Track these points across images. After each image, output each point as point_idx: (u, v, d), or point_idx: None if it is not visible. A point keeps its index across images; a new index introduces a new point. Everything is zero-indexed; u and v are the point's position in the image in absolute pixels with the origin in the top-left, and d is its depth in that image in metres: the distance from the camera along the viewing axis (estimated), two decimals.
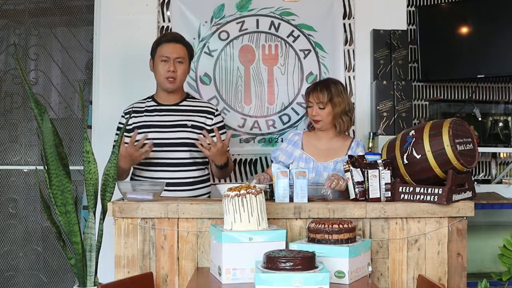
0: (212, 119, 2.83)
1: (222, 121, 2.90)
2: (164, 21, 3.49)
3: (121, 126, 2.78)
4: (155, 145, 2.73)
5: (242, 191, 1.98)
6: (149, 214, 2.26)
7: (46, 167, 2.49)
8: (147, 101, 2.87)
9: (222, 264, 1.93)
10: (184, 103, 2.85)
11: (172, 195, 2.68)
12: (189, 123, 2.78)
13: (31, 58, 3.90)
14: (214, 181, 3.38)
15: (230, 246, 1.93)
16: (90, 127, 3.43)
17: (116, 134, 2.83)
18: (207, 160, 2.86)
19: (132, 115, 2.79)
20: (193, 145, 2.75)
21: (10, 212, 3.87)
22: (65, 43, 3.90)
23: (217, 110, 2.90)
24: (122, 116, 2.85)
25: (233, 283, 1.93)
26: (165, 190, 2.67)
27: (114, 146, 2.57)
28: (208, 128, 2.79)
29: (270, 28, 3.52)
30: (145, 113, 2.81)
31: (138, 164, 2.78)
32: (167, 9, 3.49)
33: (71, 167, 2.69)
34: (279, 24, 3.51)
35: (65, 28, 3.91)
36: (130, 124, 2.78)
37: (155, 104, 2.84)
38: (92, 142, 3.22)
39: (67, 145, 3.73)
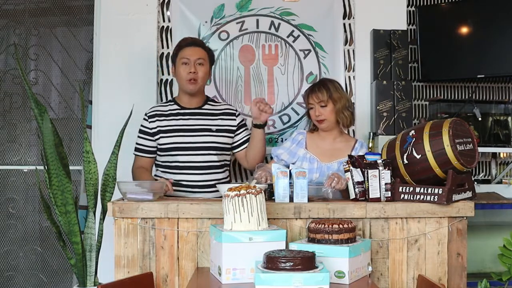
0: (235, 119, 2.92)
1: (243, 119, 3.00)
2: (164, 21, 3.49)
3: (143, 129, 2.85)
4: (181, 149, 2.79)
5: (242, 191, 1.98)
6: (149, 214, 2.26)
7: (46, 167, 2.50)
8: (170, 105, 2.90)
9: (222, 264, 1.93)
10: (206, 106, 2.91)
11: (197, 197, 2.72)
12: (214, 128, 2.85)
13: (31, 58, 3.90)
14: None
15: (230, 246, 1.93)
16: (89, 127, 3.43)
17: (139, 137, 2.87)
18: (228, 162, 2.97)
19: (156, 119, 2.83)
20: (218, 148, 2.85)
21: (10, 212, 3.87)
22: (65, 43, 3.89)
23: (236, 110, 2.99)
24: (145, 120, 2.86)
25: (233, 283, 1.93)
26: (190, 192, 2.75)
27: (140, 148, 2.65)
28: (234, 128, 2.90)
29: (270, 28, 3.52)
30: (170, 117, 2.84)
31: (164, 167, 2.84)
32: (167, 9, 3.49)
33: (71, 167, 2.69)
34: (279, 24, 3.51)
35: (65, 28, 3.91)
36: (155, 128, 2.82)
37: (178, 107, 2.87)
38: (92, 142, 3.22)
39: (67, 145, 3.73)
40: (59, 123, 3.80)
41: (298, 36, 3.52)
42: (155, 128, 2.82)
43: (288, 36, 3.52)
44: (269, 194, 2.45)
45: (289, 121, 3.50)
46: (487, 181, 3.87)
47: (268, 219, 2.07)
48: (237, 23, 3.50)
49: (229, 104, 3.11)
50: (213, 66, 2.89)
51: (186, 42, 2.87)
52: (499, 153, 3.88)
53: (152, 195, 2.32)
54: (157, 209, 2.26)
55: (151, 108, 2.90)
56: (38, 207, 3.85)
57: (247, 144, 2.92)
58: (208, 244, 2.25)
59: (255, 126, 2.82)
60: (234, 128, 2.90)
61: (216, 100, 3.04)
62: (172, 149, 2.79)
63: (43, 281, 3.85)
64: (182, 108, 2.87)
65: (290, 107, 3.51)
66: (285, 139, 3.43)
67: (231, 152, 2.95)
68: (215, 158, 2.84)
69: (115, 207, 2.26)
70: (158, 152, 2.86)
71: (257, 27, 3.51)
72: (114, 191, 2.58)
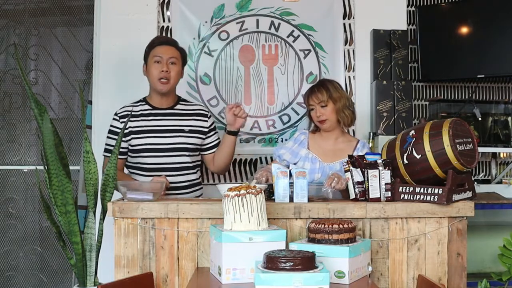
0: (207, 121, 2.91)
1: (214, 121, 3.00)
2: (164, 21, 3.49)
3: (114, 129, 2.80)
4: (154, 150, 2.77)
5: (242, 191, 1.98)
6: (149, 214, 2.26)
7: (46, 167, 2.49)
8: (141, 104, 2.86)
9: (222, 264, 1.93)
10: (178, 106, 2.89)
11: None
12: (187, 129, 2.82)
13: (31, 58, 3.90)
14: (214, 181, 3.40)
15: (230, 246, 1.93)
16: (89, 127, 3.43)
17: (108, 137, 2.83)
18: (200, 162, 2.96)
19: (127, 119, 2.77)
20: (190, 149, 2.83)
21: (10, 212, 3.88)
22: (65, 43, 3.90)
23: (208, 111, 2.98)
24: (115, 120, 2.82)
25: (233, 283, 1.93)
26: (165, 194, 2.69)
27: (111, 149, 2.58)
28: (206, 130, 2.88)
29: (270, 28, 3.52)
30: (141, 117, 2.81)
31: (136, 168, 2.83)
32: (167, 9, 3.49)
33: (70, 167, 2.69)
34: (279, 24, 3.51)
35: (65, 28, 3.91)
36: (126, 128, 2.78)
37: (150, 107, 2.84)
38: (92, 142, 3.22)
39: (67, 145, 3.73)
40: (59, 123, 3.80)
41: (298, 36, 3.52)
42: (126, 129, 2.77)
43: (288, 36, 3.52)
44: (269, 194, 2.45)
45: (289, 121, 3.50)
46: (487, 181, 3.87)
47: (268, 219, 2.07)
48: (237, 23, 3.50)
49: (201, 105, 3.11)
50: (178, 59, 2.83)
51: (159, 41, 2.84)
52: (499, 153, 3.88)
53: (152, 195, 2.32)
54: (157, 209, 2.26)
55: (121, 108, 2.85)
56: (38, 207, 3.85)
57: (216, 148, 2.92)
58: (208, 244, 2.25)
59: (229, 132, 2.80)
60: (206, 130, 2.88)
61: (189, 101, 3.02)
62: (144, 151, 2.77)
63: (43, 281, 3.85)
64: (154, 108, 2.83)
65: (290, 107, 3.51)
66: (286, 139, 3.43)
67: (199, 153, 2.94)
68: (188, 159, 2.82)
69: (115, 207, 2.26)
70: (130, 154, 2.82)
71: (257, 27, 3.51)
72: (114, 191, 2.58)
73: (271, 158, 3.17)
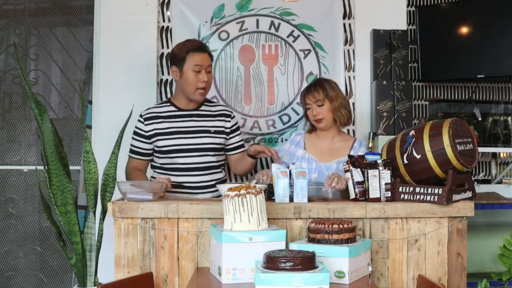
0: (230, 121, 2.89)
1: (237, 122, 2.97)
2: (164, 21, 3.49)
3: (138, 131, 2.80)
4: (181, 151, 2.77)
5: (242, 191, 1.98)
6: (149, 214, 2.26)
7: (46, 167, 2.50)
8: (166, 106, 2.85)
9: (222, 264, 1.93)
10: (203, 107, 2.87)
11: (198, 197, 2.71)
12: (212, 129, 2.82)
13: (31, 58, 3.90)
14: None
15: (230, 246, 1.93)
16: (89, 127, 3.43)
17: (133, 138, 2.83)
18: (224, 161, 2.96)
19: (153, 121, 2.79)
20: (215, 149, 2.83)
21: (10, 212, 3.88)
22: (65, 43, 3.90)
23: (231, 112, 2.96)
24: (140, 122, 2.81)
25: (233, 283, 1.93)
26: (191, 193, 2.74)
27: (134, 149, 2.64)
28: (228, 130, 2.87)
29: (270, 28, 3.52)
30: (167, 119, 2.81)
31: (163, 169, 2.82)
32: (167, 9, 3.49)
33: (70, 167, 2.70)
34: (279, 24, 3.51)
35: (65, 28, 3.91)
36: (151, 130, 2.78)
37: (175, 109, 2.83)
38: (92, 142, 3.22)
39: (67, 145, 3.73)
40: (59, 123, 3.80)
41: (298, 36, 3.52)
42: (151, 130, 2.78)
43: (288, 36, 3.52)
44: (269, 194, 2.45)
45: (289, 121, 3.51)
46: (487, 181, 3.87)
47: (268, 219, 2.07)
48: (237, 23, 3.51)
49: (224, 105, 3.10)
50: (212, 66, 2.86)
51: (196, 46, 2.76)
52: (499, 153, 3.88)
53: (152, 195, 2.32)
54: (157, 209, 2.26)
55: (146, 109, 2.85)
56: (38, 207, 3.85)
57: (239, 150, 2.92)
58: (208, 244, 2.25)
59: (249, 155, 2.78)
60: (228, 131, 2.88)
61: (211, 100, 3.02)
62: (171, 152, 2.77)
63: (43, 281, 3.85)
64: (179, 109, 2.83)
65: (290, 107, 3.51)
66: (286, 139, 3.44)
67: (224, 153, 2.94)
68: (213, 158, 2.83)
69: (115, 207, 2.26)
70: (156, 154, 2.82)
71: (257, 27, 3.52)
72: (114, 191, 2.58)
73: (271, 158, 3.17)
